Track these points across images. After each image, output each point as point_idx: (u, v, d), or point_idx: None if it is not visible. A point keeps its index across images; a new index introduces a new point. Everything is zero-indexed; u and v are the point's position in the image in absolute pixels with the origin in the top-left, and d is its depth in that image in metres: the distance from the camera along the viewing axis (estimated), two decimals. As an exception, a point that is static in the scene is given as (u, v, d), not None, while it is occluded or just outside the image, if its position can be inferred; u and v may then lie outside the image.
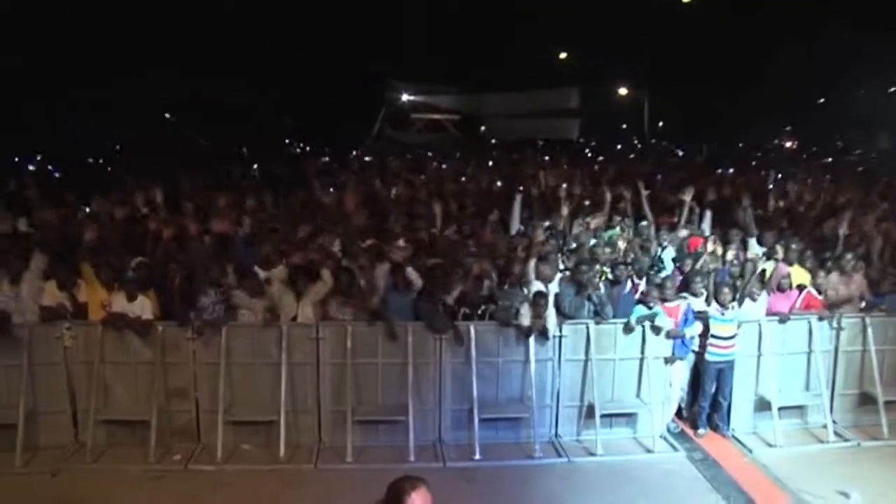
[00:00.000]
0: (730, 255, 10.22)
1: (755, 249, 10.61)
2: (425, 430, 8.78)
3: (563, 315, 8.95)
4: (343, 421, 8.59)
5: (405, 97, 28.50)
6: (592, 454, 8.68)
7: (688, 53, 26.90)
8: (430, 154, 20.43)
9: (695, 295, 9.27)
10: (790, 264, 9.97)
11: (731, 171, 17.45)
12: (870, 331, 9.38)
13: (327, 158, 18.37)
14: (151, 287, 8.78)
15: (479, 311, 8.79)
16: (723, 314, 8.94)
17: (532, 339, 8.71)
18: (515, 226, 11.28)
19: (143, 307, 8.57)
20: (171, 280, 8.94)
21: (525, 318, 8.78)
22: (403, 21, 24.57)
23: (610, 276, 9.44)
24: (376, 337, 8.70)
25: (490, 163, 17.17)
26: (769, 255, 10.22)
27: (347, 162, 16.96)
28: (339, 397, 8.67)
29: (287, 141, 26.53)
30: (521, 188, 12.84)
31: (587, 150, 26.30)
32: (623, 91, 31.52)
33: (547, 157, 16.36)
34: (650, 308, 8.96)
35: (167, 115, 31.41)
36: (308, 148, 22.33)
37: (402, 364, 8.65)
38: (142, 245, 9.69)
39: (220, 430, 8.38)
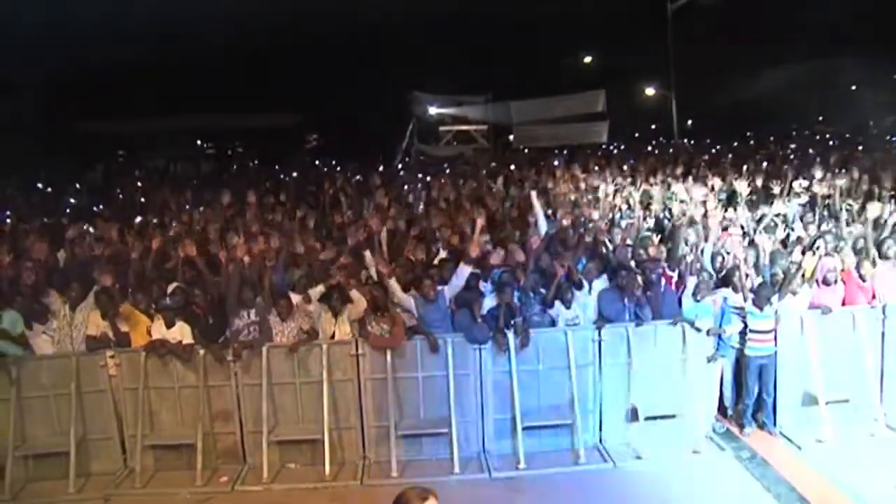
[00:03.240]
0: (767, 248, 10.08)
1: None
2: (469, 442, 8.86)
3: (604, 319, 9.00)
4: (386, 436, 8.69)
5: (432, 110, 28.64)
6: (638, 457, 8.69)
7: (712, 48, 26.80)
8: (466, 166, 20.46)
9: (734, 290, 9.21)
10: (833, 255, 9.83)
11: (766, 163, 17.33)
12: (917, 318, 9.24)
13: (360, 177, 18.45)
14: (189, 312, 8.92)
15: (513, 322, 8.79)
16: (761, 309, 8.87)
17: (572, 345, 8.71)
18: (543, 225, 11.25)
19: (183, 332, 8.73)
20: (199, 305, 9.09)
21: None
22: (427, 33, 24.73)
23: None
24: (416, 350, 8.80)
25: (514, 169, 17.16)
26: (812, 248, 10.09)
27: (382, 179, 16.99)
28: (381, 412, 8.77)
29: (316, 160, 26.81)
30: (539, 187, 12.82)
31: (615, 151, 26.24)
32: (650, 91, 31.35)
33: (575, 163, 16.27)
34: (698, 299, 9.04)
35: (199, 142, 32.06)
36: (339, 166, 22.50)
37: (442, 376, 8.75)
38: (175, 271, 9.84)
39: (265, 451, 8.51)
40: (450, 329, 8.96)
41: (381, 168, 20.83)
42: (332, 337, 8.93)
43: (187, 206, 14.36)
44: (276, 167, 24.16)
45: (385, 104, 27.04)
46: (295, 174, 20.83)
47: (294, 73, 25.88)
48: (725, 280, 9.50)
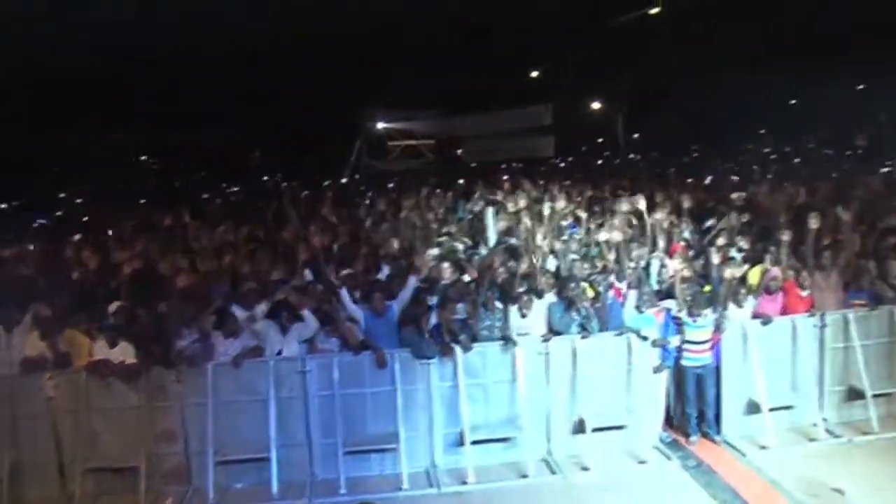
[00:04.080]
0: (715, 260, 10.28)
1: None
2: (417, 457, 8.85)
3: (552, 332, 9.09)
4: (334, 453, 8.65)
5: (380, 125, 28.67)
6: (586, 469, 8.75)
7: (661, 64, 27.24)
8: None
9: (677, 302, 9.38)
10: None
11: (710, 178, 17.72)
12: (853, 326, 9.56)
13: (308, 192, 18.38)
14: (131, 332, 8.79)
15: (461, 338, 8.84)
16: (695, 320, 9.07)
17: (519, 357, 8.78)
18: (493, 239, 11.36)
19: (125, 352, 8.59)
20: (143, 324, 8.96)
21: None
22: (375, 48, 24.74)
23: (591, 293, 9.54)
24: (363, 366, 8.77)
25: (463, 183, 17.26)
26: (753, 259, 10.33)
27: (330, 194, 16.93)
28: (329, 429, 8.72)
29: (264, 177, 26.66)
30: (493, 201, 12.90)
31: (562, 165, 26.58)
32: (597, 105, 31.81)
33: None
34: (640, 311, 9.19)
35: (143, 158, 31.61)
36: (287, 182, 22.40)
37: (390, 391, 8.74)
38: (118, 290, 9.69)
39: (211, 471, 8.40)
40: (397, 344, 8.96)
41: (329, 183, 20.79)
42: (279, 353, 8.86)
43: (131, 225, 14.15)
44: (224, 184, 23.98)
45: (333, 119, 26.97)
46: (241, 190, 20.66)
47: (241, 88, 25.66)
48: (670, 292, 9.66)
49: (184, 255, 11.03)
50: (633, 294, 9.46)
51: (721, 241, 10.77)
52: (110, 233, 13.48)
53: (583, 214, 11.86)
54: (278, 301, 9.17)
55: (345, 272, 9.83)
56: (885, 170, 17.73)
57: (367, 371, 8.76)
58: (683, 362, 9.20)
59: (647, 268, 10.16)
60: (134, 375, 8.48)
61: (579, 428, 8.99)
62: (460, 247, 11.51)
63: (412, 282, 9.23)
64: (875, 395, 9.46)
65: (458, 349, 8.73)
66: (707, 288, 9.61)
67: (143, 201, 21.41)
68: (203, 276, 10.23)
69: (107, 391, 8.52)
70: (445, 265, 10.02)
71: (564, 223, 11.74)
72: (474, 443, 8.71)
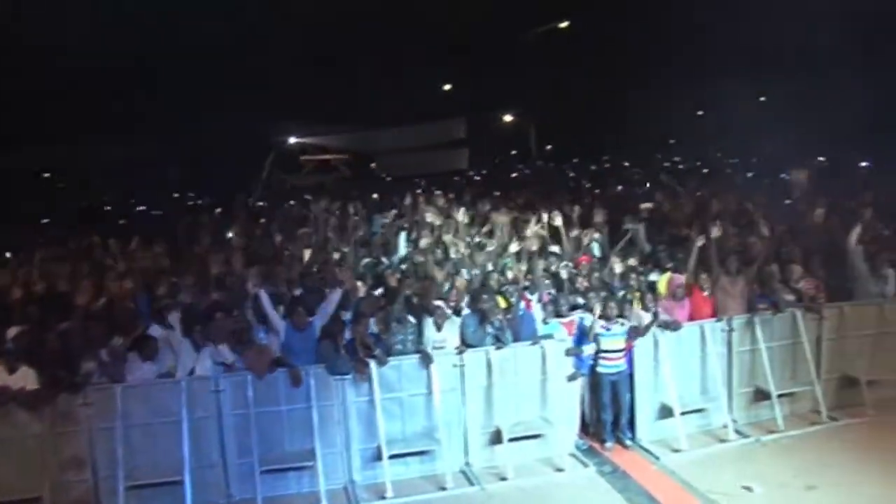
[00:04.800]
0: (617, 269, 10.56)
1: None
2: (335, 473, 8.82)
3: (466, 344, 9.17)
4: (251, 472, 8.51)
5: (293, 139, 28.45)
6: (504, 479, 8.85)
7: (571, 75, 27.82)
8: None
9: (589, 311, 9.59)
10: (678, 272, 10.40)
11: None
12: (758, 329, 9.98)
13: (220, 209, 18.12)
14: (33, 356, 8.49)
15: (375, 353, 8.85)
16: (609, 329, 9.28)
17: (435, 371, 8.84)
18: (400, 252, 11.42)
19: (27, 378, 8.28)
20: (47, 348, 8.67)
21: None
22: (288, 63, 24.59)
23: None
24: (278, 384, 8.69)
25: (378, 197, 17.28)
26: (659, 266, 10.63)
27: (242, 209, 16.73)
28: (244, 448, 8.58)
29: (176, 193, 26.15)
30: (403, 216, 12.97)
31: (477, 178, 26.86)
32: (510, 117, 32.23)
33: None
34: (546, 322, 9.42)
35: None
36: (198, 198, 22.06)
37: (306, 408, 8.68)
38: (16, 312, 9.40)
39: (122, 498, 8.16)
40: (313, 359, 8.91)
41: (241, 198, 20.51)
42: (192, 373, 8.71)
43: (37, 244, 13.69)
44: (133, 200, 23.45)
45: (246, 133, 26.65)
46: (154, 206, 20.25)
47: (152, 102, 25.14)
48: (582, 302, 9.87)
49: (91, 274, 10.74)
50: (538, 306, 9.65)
51: (628, 249, 11.05)
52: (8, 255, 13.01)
53: (497, 225, 11.97)
54: (192, 319, 9.02)
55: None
56: (784, 176, 18.55)
57: (282, 388, 8.67)
58: (599, 369, 9.39)
59: (556, 277, 10.38)
60: (37, 401, 8.19)
61: (496, 438, 9.09)
62: (385, 261, 11.55)
63: (334, 296, 9.20)
64: (780, 395, 9.90)
65: (373, 364, 8.73)
66: (620, 295, 9.84)
67: (46, 221, 20.72)
68: (112, 296, 9.98)
69: (5, 419, 8.14)
70: (359, 280, 10.03)
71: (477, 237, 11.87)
72: (392, 457, 8.71)
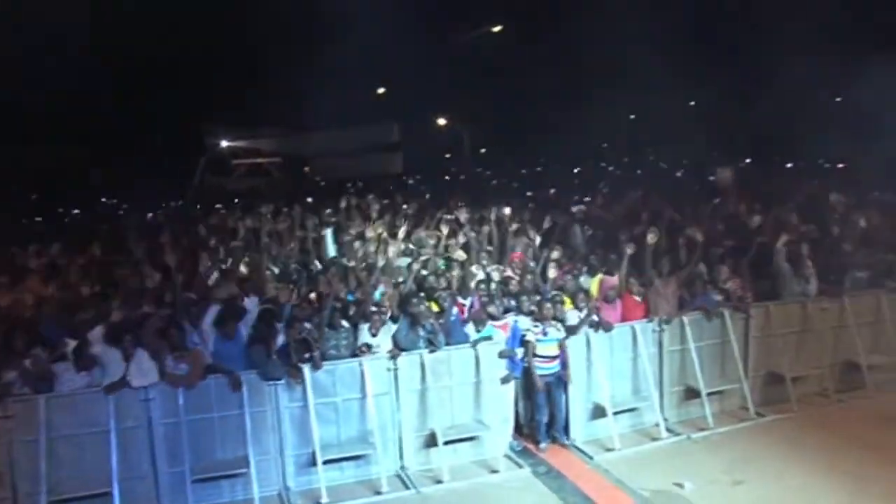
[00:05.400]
0: (551, 273, 10.71)
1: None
2: (269, 480, 8.77)
3: (399, 348, 9.19)
4: (182, 481, 8.42)
5: (224, 143, 28.12)
6: (440, 482, 8.92)
7: (501, 80, 28.09)
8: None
9: (522, 313, 9.71)
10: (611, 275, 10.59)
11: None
12: (688, 329, 10.24)
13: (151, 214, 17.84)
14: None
15: (308, 356, 8.83)
16: (546, 334, 9.42)
17: (368, 374, 8.86)
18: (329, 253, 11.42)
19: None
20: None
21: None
22: (219, 66, 24.31)
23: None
24: (210, 390, 8.61)
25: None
26: (591, 270, 10.82)
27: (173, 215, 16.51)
28: (175, 458, 8.47)
29: (102, 197, 25.62)
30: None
31: (410, 182, 26.91)
32: (444, 121, 32.35)
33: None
34: (479, 330, 9.46)
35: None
36: (127, 203, 21.64)
37: (238, 415, 8.61)
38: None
39: (45, 512, 7.96)
40: (246, 366, 8.84)
41: (171, 203, 20.27)
42: (123, 380, 8.55)
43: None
44: (61, 209, 22.89)
45: (176, 137, 26.28)
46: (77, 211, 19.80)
47: (80, 106, 24.59)
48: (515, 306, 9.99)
49: (11, 281, 10.49)
50: (466, 305, 9.76)
51: (556, 253, 11.21)
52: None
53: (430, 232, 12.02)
54: (119, 326, 8.87)
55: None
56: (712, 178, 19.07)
57: (213, 395, 8.59)
58: (534, 370, 9.47)
59: (487, 280, 10.48)
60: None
61: (431, 441, 9.16)
62: (318, 265, 11.47)
63: (252, 303, 9.14)
64: (710, 394, 10.19)
65: (306, 369, 8.71)
66: (552, 297, 9.99)
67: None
68: (33, 303, 9.77)
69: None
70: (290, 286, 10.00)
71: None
72: (326, 462, 8.70)
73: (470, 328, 9.60)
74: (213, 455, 8.64)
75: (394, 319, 9.50)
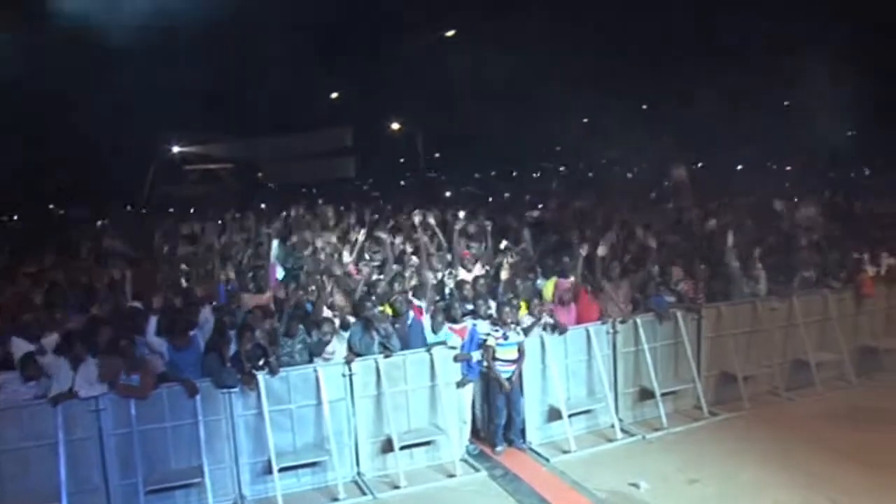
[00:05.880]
0: (504, 276, 10.81)
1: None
2: (225, 489, 8.71)
3: (354, 353, 9.20)
4: (135, 493, 8.31)
5: (176, 149, 27.88)
6: (397, 487, 8.93)
7: (455, 83, 28.17)
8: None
9: (480, 317, 9.79)
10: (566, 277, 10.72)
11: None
12: (641, 331, 10.42)
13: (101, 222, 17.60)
14: None
15: (263, 363, 8.81)
16: (506, 338, 9.49)
17: (323, 380, 8.86)
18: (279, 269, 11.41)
19: None
20: None
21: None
22: (169, 69, 24.02)
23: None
24: (163, 399, 8.52)
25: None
26: (544, 272, 10.94)
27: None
28: (128, 469, 8.35)
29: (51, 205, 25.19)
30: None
31: (364, 187, 26.97)
32: (398, 125, 32.39)
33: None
34: (437, 331, 9.56)
35: None
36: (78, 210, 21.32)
37: (192, 424, 8.55)
38: None
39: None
40: (200, 374, 8.78)
41: (122, 210, 20.01)
42: (71, 391, 8.42)
43: None
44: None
45: (127, 143, 25.91)
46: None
47: (27, 110, 24.10)
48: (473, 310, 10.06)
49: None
50: (427, 316, 9.82)
51: (511, 257, 11.32)
52: None
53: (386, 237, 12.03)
54: (70, 335, 8.75)
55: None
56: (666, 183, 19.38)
57: (166, 404, 8.51)
58: (495, 373, 9.55)
59: (441, 284, 10.56)
60: None
61: (387, 446, 9.18)
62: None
63: (206, 312, 9.11)
64: (664, 394, 10.38)
65: (260, 376, 8.69)
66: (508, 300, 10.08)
67: None
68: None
69: None
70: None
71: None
72: (282, 470, 8.66)
73: (427, 328, 9.65)
74: (166, 465, 8.54)
75: (344, 327, 9.50)
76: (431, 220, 11.80)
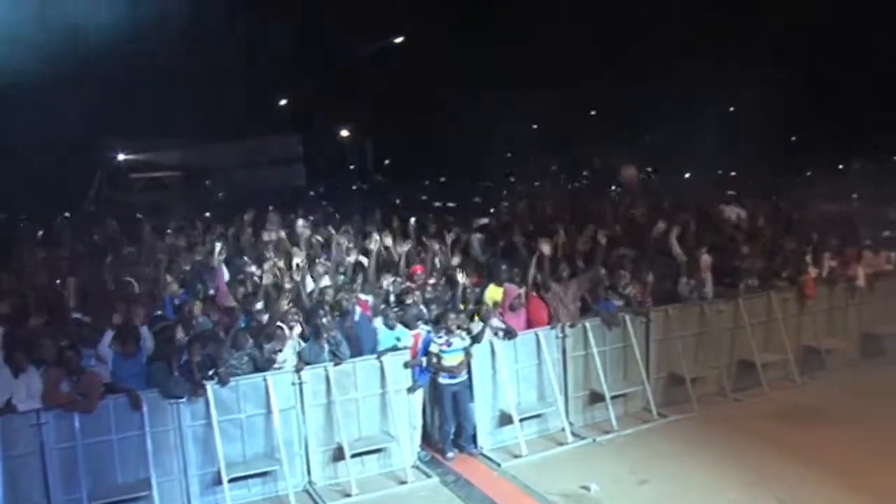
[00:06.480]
0: (462, 280, 10.86)
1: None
2: (173, 502, 8.64)
3: (303, 362, 9.20)
4: (79, 510, 8.20)
5: (122, 156, 27.55)
6: (348, 495, 8.97)
7: (407, 90, 28.30)
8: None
9: (433, 324, 9.89)
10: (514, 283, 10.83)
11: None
12: (591, 334, 10.60)
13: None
14: None
15: (210, 373, 8.77)
16: (450, 345, 9.58)
17: (273, 389, 8.85)
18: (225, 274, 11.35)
19: None
20: None
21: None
22: (117, 77, 23.74)
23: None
24: (108, 411, 8.41)
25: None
26: (495, 279, 11.03)
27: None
28: (71, 484, 8.22)
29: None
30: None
31: (312, 193, 26.90)
32: (347, 133, 32.37)
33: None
34: (391, 327, 9.61)
35: None
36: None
37: (139, 435, 8.45)
38: None
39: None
40: (147, 384, 8.71)
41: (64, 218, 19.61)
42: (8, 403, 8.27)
43: None
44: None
45: (74, 150, 25.46)
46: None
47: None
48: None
49: None
50: (369, 301, 9.88)
51: (456, 260, 11.41)
52: None
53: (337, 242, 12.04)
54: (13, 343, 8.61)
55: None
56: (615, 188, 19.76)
57: (112, 417, 8.40)
58: (440, 380, 9.65)
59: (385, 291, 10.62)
60: None
61: (339, 455, 9.20)
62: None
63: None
64: (613, 397, 10.56)
65: (209, 386, 8.65)
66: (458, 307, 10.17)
67: None
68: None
69: None
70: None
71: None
72: (232, 480, 8.63)
73: (378, 323, 9.70)
74: (112, 479, 8.43)
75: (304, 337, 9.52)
76: (388, 241, 11.79)
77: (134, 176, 28.40)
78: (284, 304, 9.82)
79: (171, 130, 26.98)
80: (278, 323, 9.44)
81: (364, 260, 11.04)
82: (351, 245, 11.89)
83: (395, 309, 9.99)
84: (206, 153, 27.59)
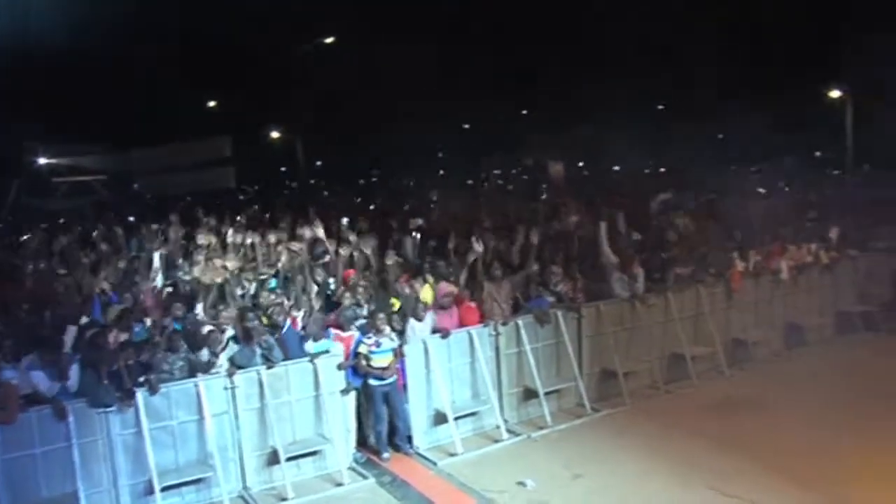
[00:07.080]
0: (401, 282, 10.95)
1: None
2: (103, 514, 8.52)
3: (235, 366, 9.19)
4: (2, 526, 8.06)
5: (43, 160, 26.91)
6: (284, 499, 8.98)
7: (338, 91, 28.27)
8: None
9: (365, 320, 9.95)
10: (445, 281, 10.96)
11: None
12: (523, 332, 10.78)
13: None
14: None
15: (141, 380, 8.69)
16: (379, 345, 9.65)
17: (205, 394, 8.82)
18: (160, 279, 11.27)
19: None
20: None
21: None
22: (40, 77, 23.19)
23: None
24: (31, 424, 8.23)
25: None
26: (423, 277, 11.15)
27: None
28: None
29: None
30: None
31: (242, 197, 26.71)
32: (277, 134, 32.17)
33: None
34: (317, 339, 9.66)
35: None
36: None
37: (65, 447, 8.30)
38: None
39: None
40: (72, 394, 8.56)
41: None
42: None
43: None
44: None
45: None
46: None
47: None
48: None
49: None
50: (307, 322, 9.91)
51: (391, 260, 11.49)
52: None
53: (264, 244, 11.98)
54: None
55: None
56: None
57: (35, 429, 8.22)
58: (371, 382, 9.72)
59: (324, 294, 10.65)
60: None
61: (273, 459, 9.21)
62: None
63: (72, 329, 8.92)
64: (547, 393, 10.76)
65: (140, 393, 8.56)
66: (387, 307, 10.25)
67: None
68: None
69: None
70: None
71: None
72: (165, 489, 8.56)
73: (309, 344, 9.71)
74: (37, 494, 8.25)
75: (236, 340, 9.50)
76: (320, 232, 11.80)
77: (57, 180, 27.77)
78: (216, 308, 9.78)
79: (96, 133, 26.48)
80: (211, 327, 9.42)
81: (295, 245, 11.00)
82: (283, 239, 11.86)
83: (328, 314, 10.05)
84: (133, 156, 27.12)
